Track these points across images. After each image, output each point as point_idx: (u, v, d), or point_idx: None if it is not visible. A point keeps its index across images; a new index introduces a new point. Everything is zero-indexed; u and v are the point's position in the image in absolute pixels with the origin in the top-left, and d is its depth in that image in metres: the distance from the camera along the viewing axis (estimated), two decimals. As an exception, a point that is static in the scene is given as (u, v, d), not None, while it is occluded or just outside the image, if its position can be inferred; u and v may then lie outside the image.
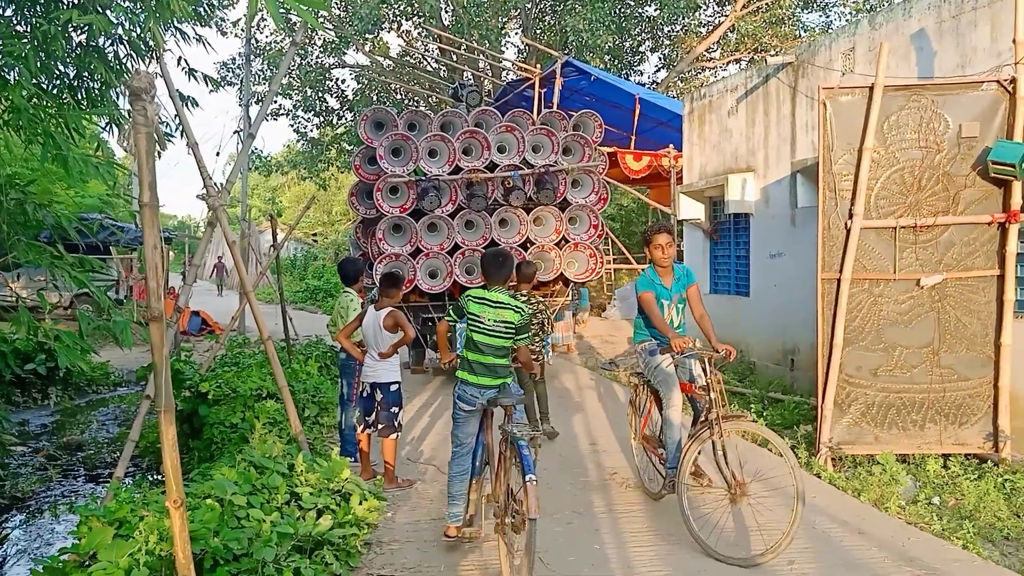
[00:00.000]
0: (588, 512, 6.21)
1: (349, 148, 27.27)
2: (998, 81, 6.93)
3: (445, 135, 11.54)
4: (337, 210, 50.45)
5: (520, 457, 4.80)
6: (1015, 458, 6.90)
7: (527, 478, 4.65)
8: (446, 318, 5.77)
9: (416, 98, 27.43)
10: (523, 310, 5.39)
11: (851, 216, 7.11)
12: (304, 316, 24.70)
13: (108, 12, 6.93)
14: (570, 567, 5.16)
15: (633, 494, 6.64)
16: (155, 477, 8.70)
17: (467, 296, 5.53)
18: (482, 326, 5.36)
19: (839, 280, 7.17)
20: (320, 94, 27.81)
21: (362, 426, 7.06)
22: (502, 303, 5.38)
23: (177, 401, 8.61)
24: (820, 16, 27.33)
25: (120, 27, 7.20)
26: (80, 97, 7.53)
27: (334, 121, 28.89)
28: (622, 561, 5.25)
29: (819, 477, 6.96)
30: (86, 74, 7.37)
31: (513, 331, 5.38)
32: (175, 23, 7.88)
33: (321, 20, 25.28)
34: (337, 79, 28.37)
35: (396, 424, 6.91)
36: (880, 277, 7.19)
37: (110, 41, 7.47)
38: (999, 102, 6.93)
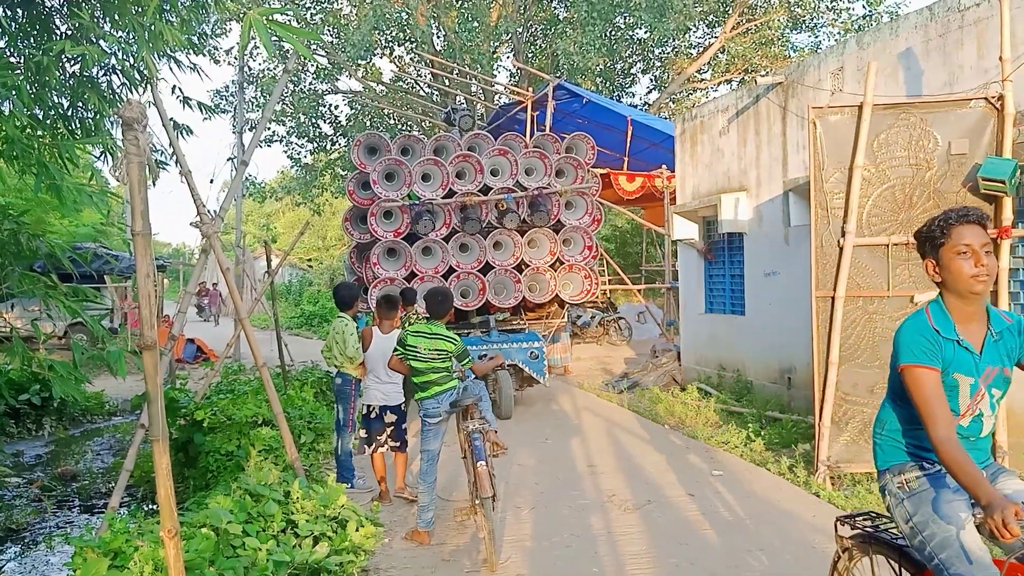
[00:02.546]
0: (586, 535, 6.17)
1: (343, 173, 27.36)
2: (986, 98, 6.99)
3: (438, 159, 11.59)
4: (332, 235, 50.47)
5: (473, 447, 5.83)
6: (1013, 473, 6.88)
7: (478, 464, 5.66)
8: (394, 353, 6.47)
9: (409, 123, 27.57)
10: (458, 341, 6.28)
11: (843, 234, 7.15)
12: (300, 342, 24.67)
13: (101, 42, 6.97)
14: (569, 591, 5.13)
15: (631, 516, 6.61)
16: (150, 507, 8.63)
17: (406, 331, 6.38)
18: (419, 354, 6.20)
19: (833, 298, 7.19)
20: (313, 120, 27.92)
21: (373, 447, 7.25)
22: (438, 335, 6.22)
23: (172, 429, 8.59)
24: (809, 36, 27.67)
25: (113, 57, 7.24)
26: (74, 127, 7.55)
27: (328, 147, 28.99)
28: (621, 584, 5.22)
29: (818, 496, 6.93)
30: (80, 104, 7.39)
31: (450, 357, 6.26)
32: (168, 52, 7.92)
33: (313, 48, 25.44)
34: (330, 105, 28.55)
35: (406, 439, 7.37)
36: (874, 294, 7.21)
37: (103, 71, 7.51)
38: (987, 119, 6.99)
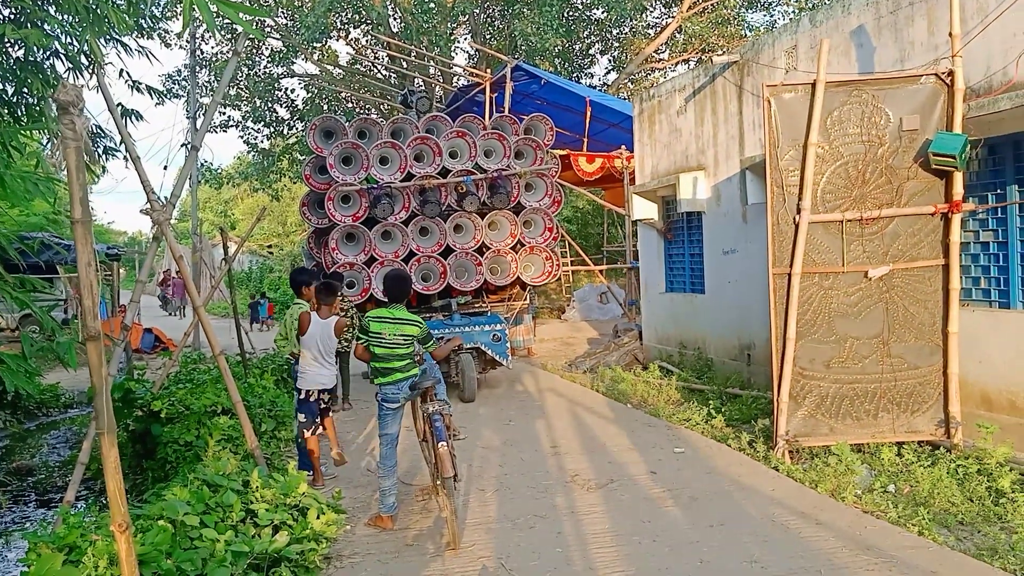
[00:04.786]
0: (550, 515, 6.19)
1: (301, 158, 27.01)
2: (936, 74, 7.07)
3: (396, 142, 11.48)
4: (292, 221, 49.92)
5: (434, 429, 5.82)
6: (967, 444, 7.02)
7: (439, 445, 5.68)
8: (356, 341, 6.38)
9: (367, 106, 27.28)
10: (422, 324, 6.18)
11: (799, 211, 7.20)
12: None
13: (44, 26, 6.78)
14: (533, 571, 5.13)
15: (594, 496, 6.64)
16: (106, 500, 8.48)
17: (368, 317, 6.25)
18: (383, 340, 6.11)
19: (790, 274, 7.25)
20: (269, 104, 27.51)
21: (312, 430, 7.30)
22: (402, 319, 6.14)
23: (129, 420, 8.45)
24: (764, 15, 27.72)
25: (57, 41, 7.06)
26: (20, 113, 7.36)
27: (285, 131, 28.60)
28: (585, 563, 5.24)
29: (777, 470, 7.03)
30: (24, 90, 7.20)
31: (415, 341, 6.17)
32: (115, 36, 7.74)
33: (267, 29, 25.02)
34: (286, 89, 28.13)
35: (331, 408, 7.61)
36: (829, 270, 7.29)
37: (48, 55, 7.32)
38: (938, 95, 7.07)
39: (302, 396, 7.29)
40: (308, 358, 7.22)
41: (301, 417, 7.27)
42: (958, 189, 7.00)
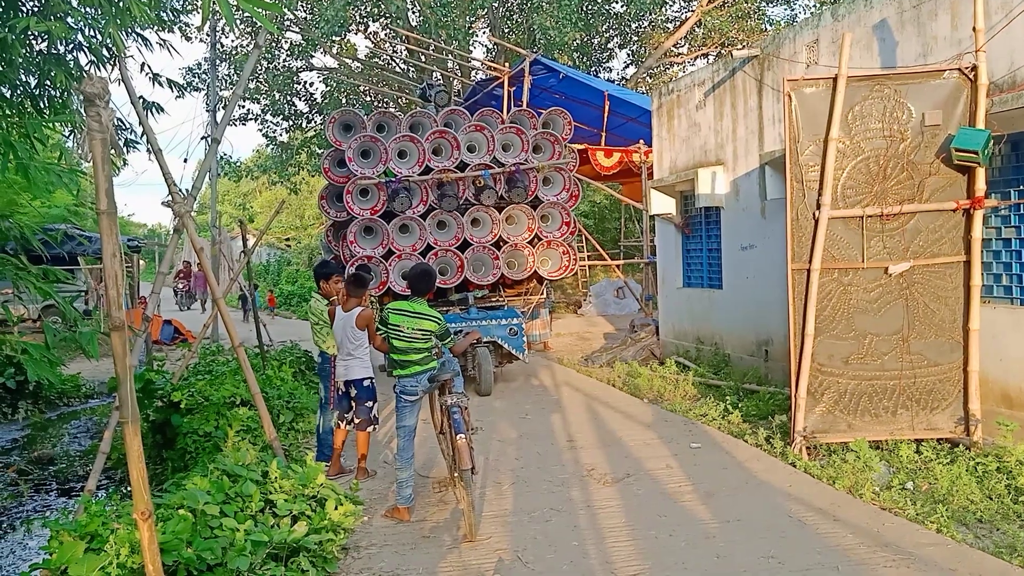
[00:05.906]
0: (567, 509, 6.20)
1: (319, 151, 27.10)
2: (959, 69, 7.00)
3: (414, 136, 11.50)
4: (310, 214, 50.07)
5: (452, 421, 5.82)
6: (986, 441, 6.98)
7: (458, 437, 5.67)
8: (377, 333, 6.50)
9: (385, 99, 27.31)
10: (440, 320, 6.19)
11: (819, 206, 7.17)
12: (278, 321, 24.54)
13: (67, 18, 6.83)
14: (549, 564, 5.15)
15: (611, 490, 6.64)
16: (127, 489, 8.58)
17: (388, 308, 6.28)
18: (401, 334, 6.16)
19: (809, 270, 7.22)
20: (288, 98, 27.60)
21: (343, 422, 7.29)
22: (420, 314, 6.16)
23: (150, 411, 8.54)
24: (785, 9, 27.59)
25: (80, 33, 7.11)
26: (42, 105, 7.42)
27: (303, 124, 28.69)
28: (601, 557, 5.25)
29: (794, 466, 7.00)
30: (47, 82, 7.26)
31: (434, 336, 6.19)
32: (137, 29, 7.79)
33: (287, 23, 25.09)
34: (305, 82, 28.20)
35: (372, 417, 7.27)
36: (849, 266, 7.25)
37: (70, 48, 7.37)
38: (961, 90, 7.01)
39: (334, 390, 7.35)
40: (338, 352, 7.24)
41: (335, 413, 7.35)
42: (980, 185, 6.94)
